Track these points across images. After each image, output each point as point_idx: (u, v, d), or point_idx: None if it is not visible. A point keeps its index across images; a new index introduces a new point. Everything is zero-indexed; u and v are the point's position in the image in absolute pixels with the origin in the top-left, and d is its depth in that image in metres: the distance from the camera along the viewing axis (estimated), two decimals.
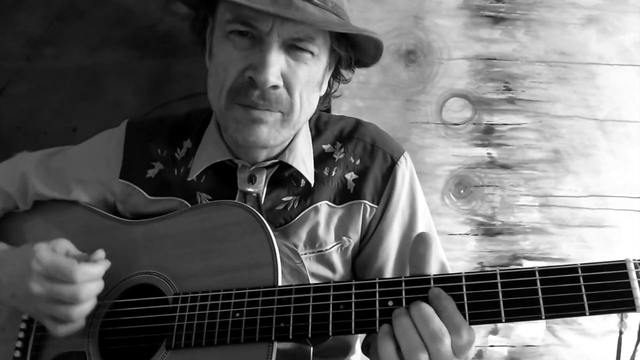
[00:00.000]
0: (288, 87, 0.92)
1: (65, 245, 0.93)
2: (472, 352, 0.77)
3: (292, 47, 0.90)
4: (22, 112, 1.60)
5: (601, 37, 1.64)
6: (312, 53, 0.92)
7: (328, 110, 1.59)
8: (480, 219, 1.63)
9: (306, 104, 0.96)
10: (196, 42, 1.03)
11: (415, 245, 0.79)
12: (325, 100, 1.06)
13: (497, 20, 1.64)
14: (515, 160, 1.63)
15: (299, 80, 0.92)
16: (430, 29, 1.62)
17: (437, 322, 0.73)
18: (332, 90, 1.06)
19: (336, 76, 1.04)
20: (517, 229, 1.63)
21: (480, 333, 1.61)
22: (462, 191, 1.63)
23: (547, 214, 1.63)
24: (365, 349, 1.11)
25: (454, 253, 1.61)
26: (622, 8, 1.64)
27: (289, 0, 0.86)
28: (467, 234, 1.63)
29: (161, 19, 1.61)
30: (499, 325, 1.62)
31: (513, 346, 1.61)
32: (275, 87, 0.90)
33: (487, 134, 1.63)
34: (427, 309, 0.74)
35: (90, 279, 0.88)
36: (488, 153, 1.63)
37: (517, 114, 1.64)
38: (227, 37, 0.91)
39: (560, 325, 1.62)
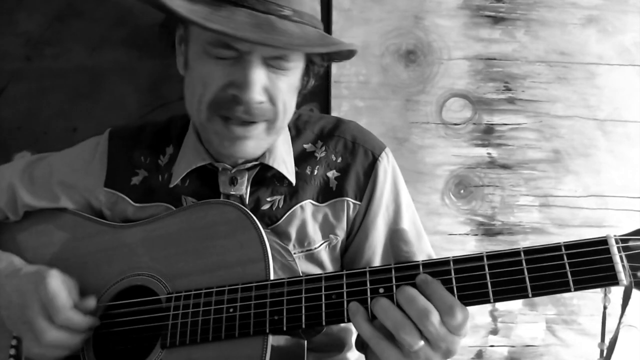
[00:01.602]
0: (271, 99, 0.93)
1: (70, 285, 0.94)
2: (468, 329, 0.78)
3: (272, 63, 0.92)
4: (22, 112, 1.60)
5: (601, 37, 1.64)
6: (289, 67, 0.94)
7: (327, 107, 1.60)
8: (480, 219, 1.63)
9: (289, 110, 0.98)
10: (165, 43, 1.03)
11: (396, 243, 0.80)
12: (298, 97, 1.07)
13: (497, 20, 1.64)
14: (515, 160, 1.63)
15: (281, 91, 0.94)
16: (430, 29, 1.62)
17: (421, 301, 0.74)
18: (304, 86, 1.06)
19: (308, 73, 1.04)
20: (517, 229, 1.63)
21: (480, 333, 1.62)
22: (462, 191, 1.63)
23: (547, 214, 1.63)
24: (359, 345, 1.11)
25: (454, 253, 1.58)
26: (622, 8, 1.64)
27: (271, 24, 0.87)
28: (467, 234, 1.63)
29: (161, 19, 1.60)
30: (499, 325, 1.62)
31: (513, 346, 1.61)
32: (260, 102, 0.91)
33: (487, 134, 1.63)
34: (410, 290, 0.75)
35: (67, 326, 0.90)
36: (488, 153, 1.63)
37: (517, 114, 1.64)
38: (206, 53, 0.92)
39: (560, 325, 1.62)
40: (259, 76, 0.90)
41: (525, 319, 1.62)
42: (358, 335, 1.10)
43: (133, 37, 1.61)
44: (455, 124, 1.63)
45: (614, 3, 1.64)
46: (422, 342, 0.73)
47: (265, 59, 0.91)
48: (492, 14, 1.64)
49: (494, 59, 1.64)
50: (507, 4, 1.64)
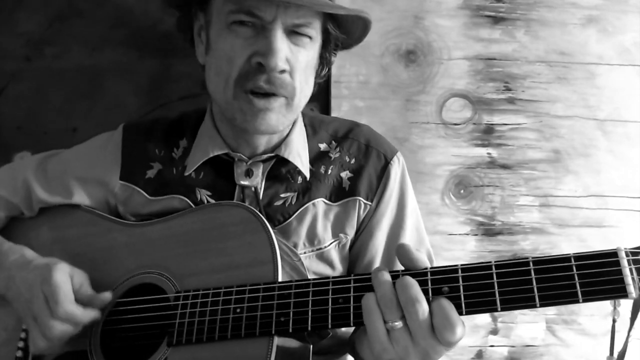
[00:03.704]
0: (292, 72, 0.95)
1: (81, 278, 0.95)
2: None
3: (293, 33, 0.93)
4: (22, 112, 1.60)
5: (601, 37, 1.64)
6: (310, 37, 0.95)
7: (327, 107, 1.60)
8: (480, 219, 1.63)
9: (306, 88, 0.99)
10: (183, 39, 1.05)
11: (400, 260, 0.80)
12: (313, 85, 1.07)
13: (497, 20, 1.64)
14: (515, 160, 1.63)
15: (300, 65, 0.95)
16: (430, 29, 1.62)
17: (415, 290, 0.74)
18: (318, 74, 1.07)
19: (321, 60, 1.05)
20: (517, 229, 1.63)
21: (480, 333, 1.62)
22: (462, 191, 1.63)
23: (547, 214, 1.63)
24: (351, 347, 1.11)
25: (454, 253, 1.61)
26: (622, 8, 1.64)
27: None
28: (467, 234, 1.63)
29: (161, 19, 1.60)
30: (499, 325, 1.62)
31: (513, 346, 1.61)
32: (282, 71, 0.93)
33: (487, 134, 1.63)
34: (410, 279, 0.76)
35: (68, 320, 0.90)
36: (488, 153, 1.63)
37: (517, 114, 1.64)
38: (228, 28, 0.93)
39: (560, 325, 1.62)
40: (282, 44, 0.91)
41: (525, 319, 1.62)
42: (350, 337, 1.10)
43: (133, 37, 1.62)
44: (455, 124, 1.63)
45: (614, 3, 1.64)
46: (400, 323, 0.74)
47: (286, 28, 0.92)
48: (492, 14, 1.64)
49: (494, 59, 1.64)
50: (507, 4, 1.64)
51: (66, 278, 0.92)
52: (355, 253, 1.10)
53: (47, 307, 0.90)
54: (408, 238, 1.10)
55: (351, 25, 1.00)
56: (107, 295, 0.94)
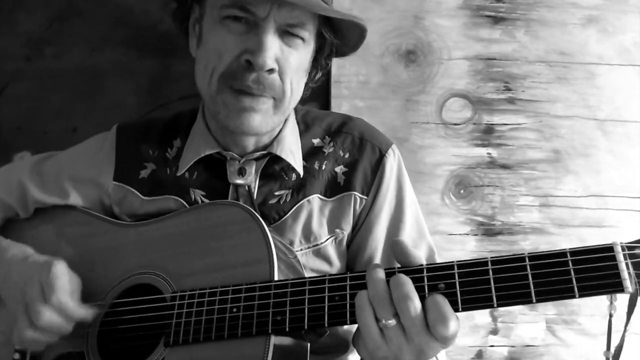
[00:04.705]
0: (281, 72, 0.93)
1: (75, 284, 0.94)
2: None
3: (286, 33, 0.92)
4: (22, 112, 1.60)
5: (601, 37, 1.64)
6: (303, 39, 0.94)
7: (327, 107, 1.60)
8: (480, 219, 1.63)
9: (296, 91, 0.98)
10: (178, 30, 1.04)
11: (395, 255, 0.80)
12: (305, 89, 1.06)
13: (497, 20, 1.64)
14: (515, 160, 1.63)
15: (291, 66, 0.94)
16: (430, 29, 1.62)
17: (408, 288, 0.74)
18: (311, 78, 1.06)
19: (315, 65, 1.05)
20: (517, 229, 1.63)
21: (480, 333, 1.61)
22: (462, 191, 1.63)
23: (547, 214, 1.63)
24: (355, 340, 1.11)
25: (454, 253, 1.61)
26: (622, 8, 1.64)
27: None
28: (467, 234, 1.63)
29: (161, 19, 1.61)
30: (499, 325, 1.62)
31: (513, 346, 1.61)
32: (271, 70, 0.91)
33: (487, 134, 1.63)
34: (403, 277, 0.76)
35: (59, 309, 0.89)
36: (488, 153, 1.63)
37: (517, 114, 1.64)
38: (221, 22, 0.92)
39: (560, 325, 1.62)
40: (273, 43, 0.90)
41: (525, 319, 1.62)
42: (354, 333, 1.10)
43: (133, 37, 1.62)
44: (455, 124, 1.63)
45: (614, 3, 1.64)
46: (393, 321, 0.74)
47: (279, 27, 0.91)
48: (492, 14, 1.64)
49: (494, 59, 1.64)
50: (507, 4, 1.64)
51: (65, 271, 0.92)
52: (355, 249, 1.10)
53: (41, 293, 0.89)
54: (408, 231, 1.09)
55: (347, 31, 0.99)
56: (89, 310, 0.92)
